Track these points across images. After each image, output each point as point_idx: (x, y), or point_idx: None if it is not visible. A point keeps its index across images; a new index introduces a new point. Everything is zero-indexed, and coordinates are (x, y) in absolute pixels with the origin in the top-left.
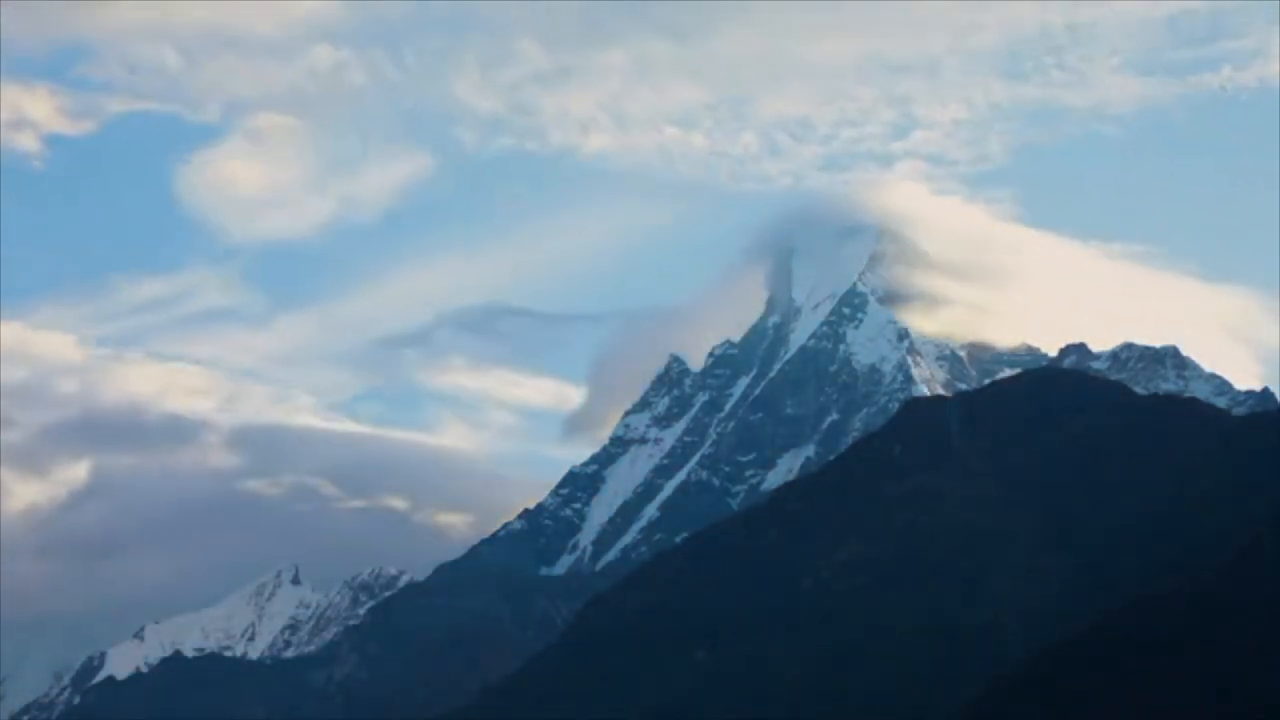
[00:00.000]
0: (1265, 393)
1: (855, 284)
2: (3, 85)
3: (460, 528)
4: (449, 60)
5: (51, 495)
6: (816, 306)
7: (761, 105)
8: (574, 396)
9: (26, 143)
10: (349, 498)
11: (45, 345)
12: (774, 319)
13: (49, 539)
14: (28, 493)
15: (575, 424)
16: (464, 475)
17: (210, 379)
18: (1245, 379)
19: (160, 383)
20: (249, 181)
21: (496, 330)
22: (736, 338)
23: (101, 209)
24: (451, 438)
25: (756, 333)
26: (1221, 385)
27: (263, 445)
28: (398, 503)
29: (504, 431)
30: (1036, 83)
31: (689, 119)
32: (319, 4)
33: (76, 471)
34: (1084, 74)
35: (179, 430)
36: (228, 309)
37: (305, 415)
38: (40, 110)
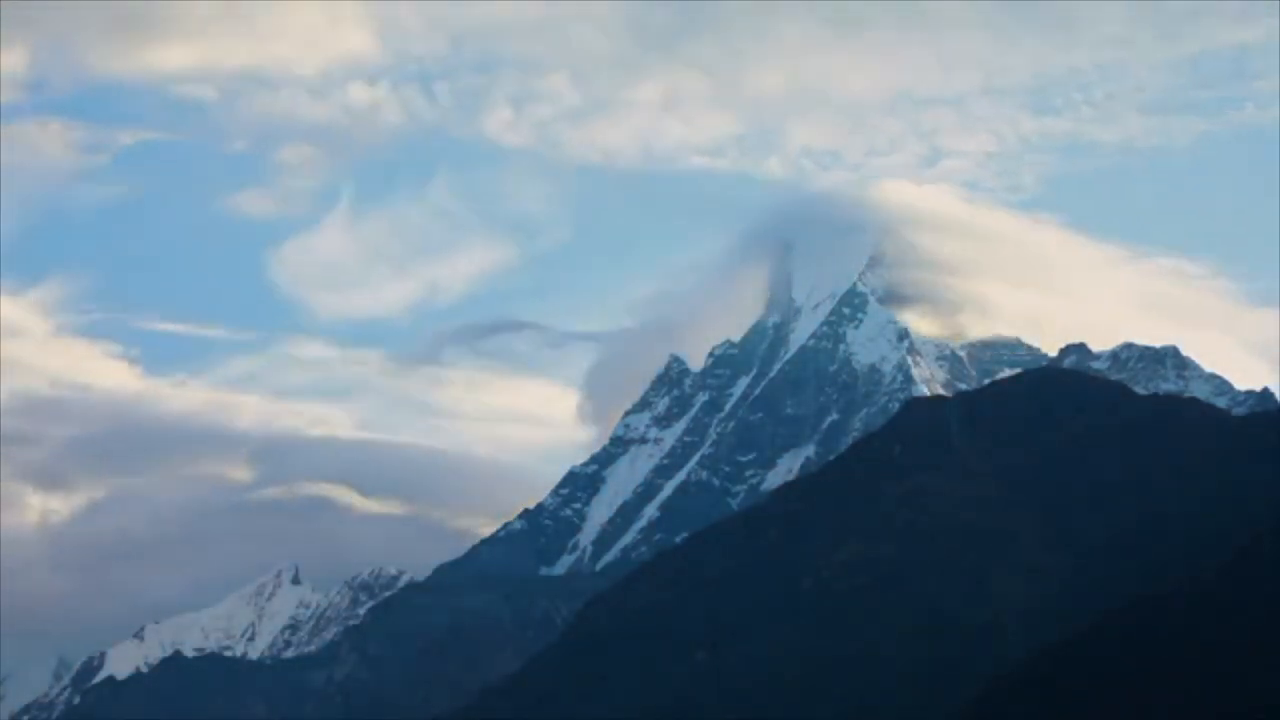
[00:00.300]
0: (1265, 393)
1: (855, 284)
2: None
3: (470, 530)
4: (481, 97)
5: (69, 507)
6: (816, 306)
7: (789, 136)
8: (579, 398)
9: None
10: (356, 501)
11: (105, 372)
12: (774, 319)
13: (60, 550)
14: (46, 505)
15: (583, 426)
16: (472, 478)
17: (248, 400)
18: (1245, 379)
19: (199, 403)
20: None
21: (504, 338)
22: (736, 338)
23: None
24: (462, 443)
25: (756, 333)
26: (1221, 385)
27: (274, 451)
28: (405, 507)
29: (513, 435)
30: (1066, 117)
31: (717, 149)
32: (354, 44)
33: (94, 484)
34: (1111, 110)
35: (201, 440)
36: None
37: (322, 426)
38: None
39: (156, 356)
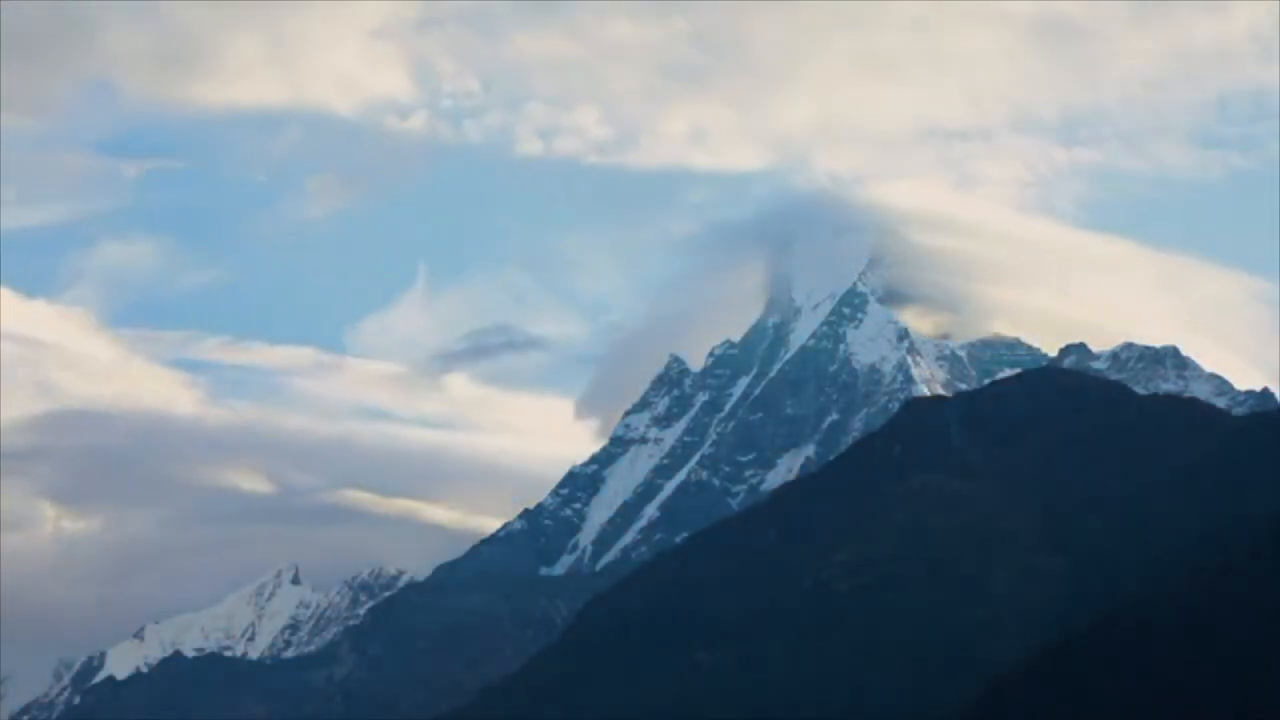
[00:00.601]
0: (1265, 393)
1: (855, 284)
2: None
3: (471, 530)
4: (510, 131)
5: (83, 517)
6: (816, 306)
7: (816, 166)
8: (579, 398)
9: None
10: (360, 502)
11: (165, 396)
12: (774, 319)
13: (68, 557)
14: (59, 516)
15: (582, 425)
16: (473, 479)
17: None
18: (1245, 379)
19: (231, 421)
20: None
21: (511, 358)
22: (736, 338)
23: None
24: (463, 443)
25: (756, 333)
26: (1221, 385)
27: (285, 455)
28: (408, 508)
29: (514, 435)
30: (1097, 149)
31: (744, 178)
32: (389, 82)
33: (110, 496)
34: (1142, 145)
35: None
36: None
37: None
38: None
39: (224, 385)
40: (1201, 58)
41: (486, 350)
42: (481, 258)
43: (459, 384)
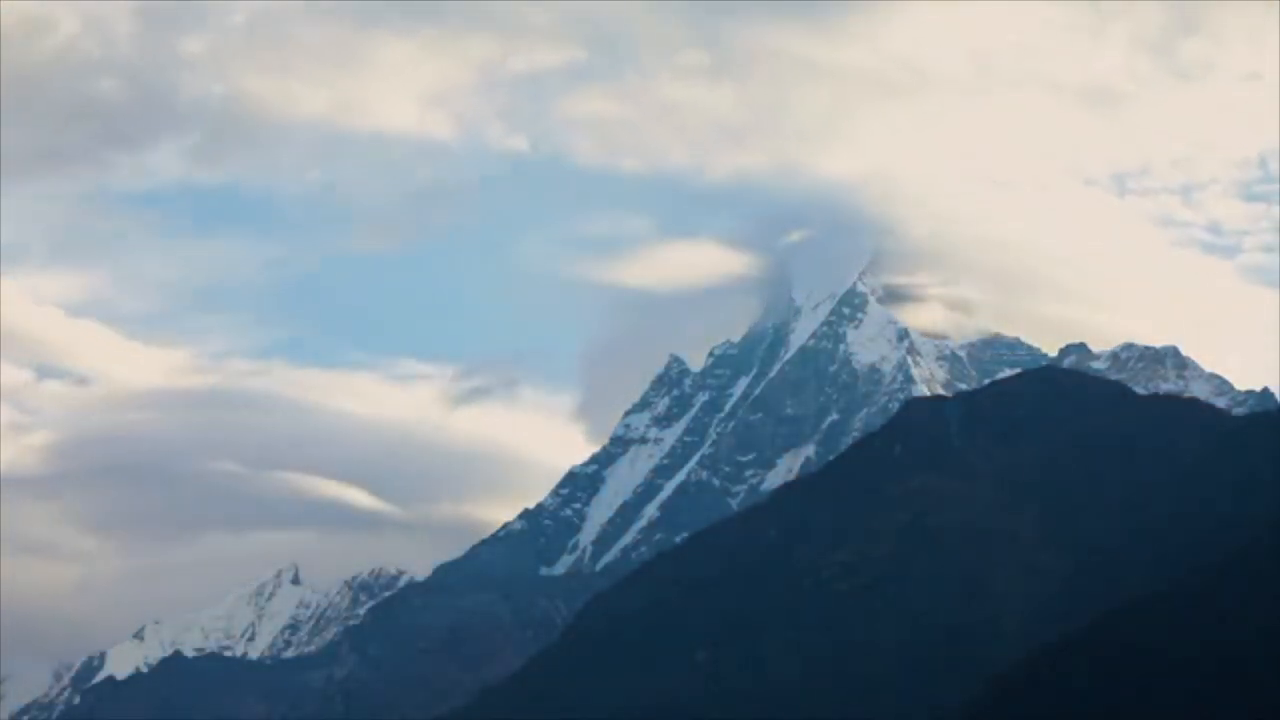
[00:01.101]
0: (1265, 393)
1: (855, 284)
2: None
3: (471, 530)
4: (555, 185)
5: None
6: (816, 306)
7: (857, 209)
8: (579, 398)
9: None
10: (359, 502)
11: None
12: (774, 319)
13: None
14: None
15: (582, 425)
16: (474, 478)
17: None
18: (1245, 379)
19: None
20: None
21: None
22: (736, 338)
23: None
24: (463, 443)
25: (756, 333)
26: (1221, 385)
27: (272, 446)
28: (408, 507)
29: (514, 435)
30: (1149, 200)
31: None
32: (439, 141)
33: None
34: (1190, 197)
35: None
36: None
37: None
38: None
39: (235, 399)
40: (1242, 119)
41: (496, 371)
42: (491, 271)
43: (466, 394)
